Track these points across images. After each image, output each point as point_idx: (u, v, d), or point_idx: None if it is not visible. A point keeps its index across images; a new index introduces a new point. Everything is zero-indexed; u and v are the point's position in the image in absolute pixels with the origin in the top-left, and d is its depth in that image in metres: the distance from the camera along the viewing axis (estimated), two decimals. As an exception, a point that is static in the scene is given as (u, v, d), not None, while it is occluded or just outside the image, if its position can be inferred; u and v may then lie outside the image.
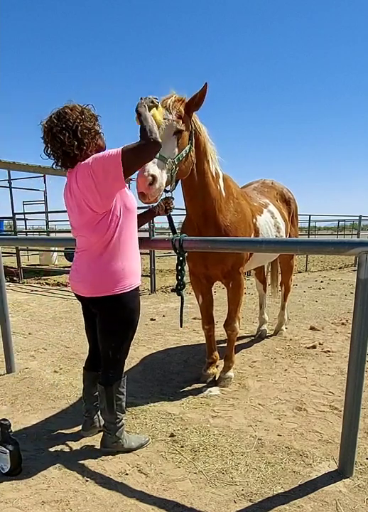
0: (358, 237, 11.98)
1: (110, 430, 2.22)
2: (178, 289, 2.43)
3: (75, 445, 2.36)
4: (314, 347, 4.10)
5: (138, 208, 2.28)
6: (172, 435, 2.43)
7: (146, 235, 6.90)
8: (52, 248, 10.83)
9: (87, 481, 2.02)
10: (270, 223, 3.51)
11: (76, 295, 2.24)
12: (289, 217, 4.12)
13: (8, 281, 8.59)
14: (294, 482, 2.00)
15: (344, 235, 16.48)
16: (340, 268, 11.76)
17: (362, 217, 12.31)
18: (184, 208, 2.94)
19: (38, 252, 12.52)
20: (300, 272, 10.64)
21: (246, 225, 3.03)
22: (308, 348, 4.10)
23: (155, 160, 2.18)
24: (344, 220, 16.51)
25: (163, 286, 8.15)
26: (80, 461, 2.19)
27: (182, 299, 2.49)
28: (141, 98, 2.14)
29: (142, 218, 2.51)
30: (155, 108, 2.22)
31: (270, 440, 2.38)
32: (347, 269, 11.58)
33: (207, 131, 2.73)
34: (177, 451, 2.28)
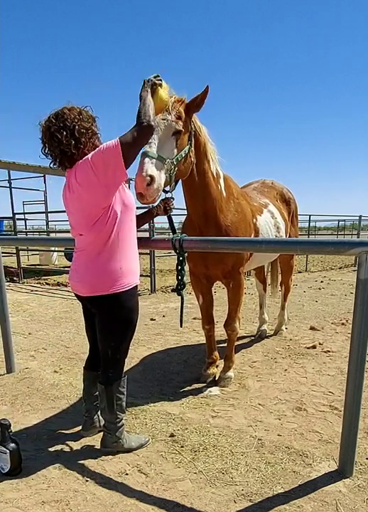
0: (358, 237, 11.98)
1: (110, 430, 2.22)
2: (178, 289, 2.43)
3: (75, 445, 2.36)
4: (314, 347, 4.10)
5: (138, 208, 2.28)
6: (172, 435, 2.43)
7: (146, 235, 6.90)
8: (52, 248, 10.83)
9: (87, 481, 2.02)
10: (270, 223, 3.51)
11: (76, 295, 2.24)
12: (289, 217, 4.12)
13: (8, 281, 8.60)
14: (294, 482, 2.00)
15: (344, 235, 16.49)
16: (340, 268, 11.76)
17: (362, 217, 12.32)
18: (184, 207, 2.94)
19: (37, 252, 12.51)
20: (300, 272, 10.64)
21: (246, 225, 3.03)
22: (308, 348, 4.10)
23: (154, 160, 2.18)
24: (344, 220, 16.52)
25: (163, 286, 8.15)
26: (80, 461, 2.19)
27: (182, 299, 2.49)
28: (144, 81, 2.14)
29: (141, 219, 2.51)
30: (159, 87, 2.22)
31: (270, 440, 2.38)
32: (347, 269, 11.58)
33: (207, 132, 2.72)
34: (177, 451, 2.28)
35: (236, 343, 3.54)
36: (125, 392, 2.26)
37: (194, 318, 5.36)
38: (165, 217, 2.64)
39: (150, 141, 2.22)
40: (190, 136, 2.50)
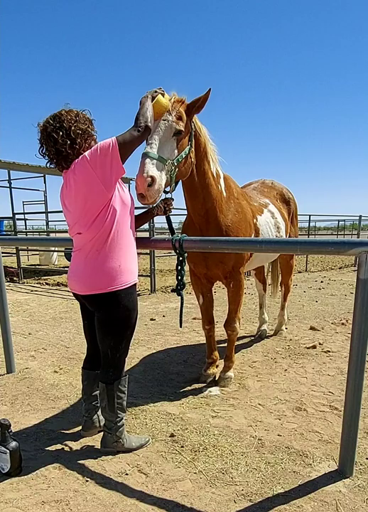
0: (358, 237, 11.98)
1: (110, 429, 2.22)
2: (178, 289, 2.43)
3: (75, 445, 2.36)
4: (314, 347, 4.10)
5: (137, 208, 2.29)
6: (172, 435, 2.43)
7: (146, 235, 6.90)
8: (52, 248, 10.83)
9: (87, 481, 2.02)
10: (270, 223, 3.51)
11: (74, 294, 2.25)
12: (289, 217, 4.12)
13: (8, 281, 8.60)
14: (294, 482, 2.00)
15: (344, 235, 16.49)
16: (340, 268, 11.76)
17: (362, 217, 12.32)
18: (184, 208, 2.94)
19: (37, 252, 12.52)
20: (300, 272, 10.64)
21: (246, 225, 3.03)
22: (308, 348, 4.10)
23: (155, 161, 2.18)
24: (344, 220, 16.52)
25: (163, 286, 8.15)
26: (80, 461, 2.19)
27: (181, 299, 2.49)
28: (147, 92, 2.22)
29: (140, 219, 2.51)
30: (160, 95, 2.26)
31: (270, 440, 2.38)
32: (347, 269, 11.57)
33: (207, 132, 2.72)
34: (177, 451, 2.28)
35: (236, 343, 3.55)
36: (126, 391, 2.26)
37: (194, 318, 5.36)
38: (164, 217, 2.64)
39: (150, 141, 2.22)
40: (191, 137, 2.50)
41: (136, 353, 3.97)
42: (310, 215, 12.41)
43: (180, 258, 2.36)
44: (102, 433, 2.31)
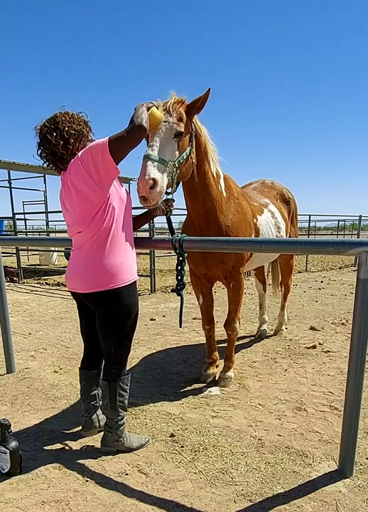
0: (358, 237, 11.98)
1: (111, 428, 2.22)
2: (178, 289, 2.43)
3: (75, 445, 2.37)
4: (314, 347, 4.10)
5: (137, 208, 2.30)
6: (172, 435, 2.43)
7: (146, 235, 6.90)
8: (52, 248, 10.83)
9: (87, 481, 2.02)
10: (270, 223, 3.51)
11: (72, 294, 2.25)
12: (289, 217, 4.12)
13: (8, 281, 8.60)
14: (294, 482, 2.00)
15: (344, 235, 16.49)
16: (340, 268, 11.76)
17: (362, 217, 12.32)
18: (184, 208, 2.94)
19: (37, 252, 12.52)
20: (300, 272, 10.64)
21: (247, 225, 3.03)
22: (308, 348, 4.10)
23: (156, 163, 2.18)
24: (344, 220, 16.52)
25: (163, 286, 8.15)
26: (80, 461, 2.19)
27: (181, 299, 2.49)
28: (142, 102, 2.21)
29: (140, 220, 2.52)
30: (155, 108, 2.24)
31: (270, 440, 2.38)
32: (347, 269, 11.57)
33: (207, 132, 2.72)
34: (177, 451, 2.28)
35: (236, 343, 3.54)
36: (128, 390, 2.27)
37: (194, 318, 5.36)
38: (165, 217, 2.64)
39: (151, 143, 2.22)
40: (191, 138, 2.49)
41: (136, 353, 3.97)
42: (310, 215, 12.42)
43: (180, 258, 2.36)
44: (102, 433, 2.31)
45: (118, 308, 2.10)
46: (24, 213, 11.44)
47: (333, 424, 2.57)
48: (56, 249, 10.94)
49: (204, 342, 3.47)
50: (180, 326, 2.60)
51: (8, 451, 2.04)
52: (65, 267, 10.76)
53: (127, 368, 2.33)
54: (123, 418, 2.24)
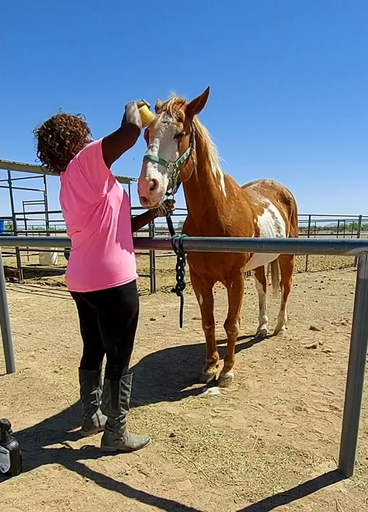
0: (358, 237, 11.98)
1: (112, 426, 2.22)
2: (178, 289, 2.43)
3: (75, 445, 2.37)
4: (314, 347, 4.10)
5: (137, 208, 2.30)
6: (172, 435, 2.43)
7: (146, 235, 6.90)
8: (52, 248, 10.83)
9: (87, 481, 2.02)
10: (271, 223, 3.51)
11: (72, 294, 2.25)
12: (289, 217, 4.12)
13: (8, 281, 8.60)
14: (294, 482, 2.00)
15: (344, 235, 16.48)
16: (340, 268, 11.76)
17: (362, 217, 12.31)
18: (184, 208, 2.94)
19: (37, 252, 12.52)
20: (300, 272, 10.64)
21: (247, 225, 3.03)
22: (308, 348, 4.10)
23: (156, 164, 2.17)
24: (344, 220, 16.51)
25: (163, 286, 8.15)
26: (80, 461, 2.19)
27: (182, 299, 2.49)
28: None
29: (140, 220, 2.52)
30: (146, 106, 2.20)
31: (270, 440, 2.38)
32: (347, 269, 11.57)
33: (207, 132, 2.72)
34: (177, 451, 2.28)
35: (236, 343, 3.54)
36: (130, 388, 2.27)
37: (194, 318, 5.36)
38: (165, 217, 2.64)
39: (151, 144, 2.21)
40: (192, 138, 2.48)
41: (136, 353, 3.97)
42: (310, 215, 12.42)
43: (180, 258, 2.36)
44: (102, 432, 2.31)
45: (118, 307, 2.10)
46: (24, 213, 11.44)
47: (333, 424, 2.57)
48: (56, 249, 10.93)
49: (204, 342, 3.47)
50: (181, 326, 2.60)
51: (8, 451, 2.04)
52: (65, 267, 10.75)
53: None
54: (124, 417, 2.25)
